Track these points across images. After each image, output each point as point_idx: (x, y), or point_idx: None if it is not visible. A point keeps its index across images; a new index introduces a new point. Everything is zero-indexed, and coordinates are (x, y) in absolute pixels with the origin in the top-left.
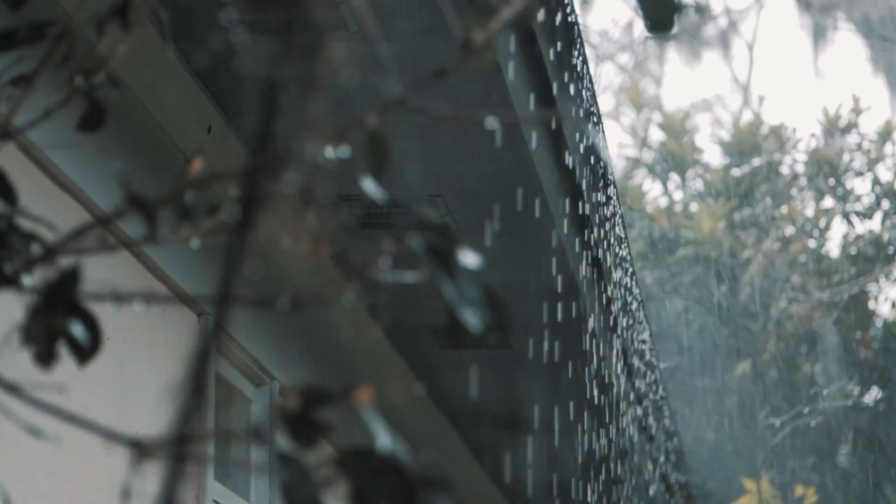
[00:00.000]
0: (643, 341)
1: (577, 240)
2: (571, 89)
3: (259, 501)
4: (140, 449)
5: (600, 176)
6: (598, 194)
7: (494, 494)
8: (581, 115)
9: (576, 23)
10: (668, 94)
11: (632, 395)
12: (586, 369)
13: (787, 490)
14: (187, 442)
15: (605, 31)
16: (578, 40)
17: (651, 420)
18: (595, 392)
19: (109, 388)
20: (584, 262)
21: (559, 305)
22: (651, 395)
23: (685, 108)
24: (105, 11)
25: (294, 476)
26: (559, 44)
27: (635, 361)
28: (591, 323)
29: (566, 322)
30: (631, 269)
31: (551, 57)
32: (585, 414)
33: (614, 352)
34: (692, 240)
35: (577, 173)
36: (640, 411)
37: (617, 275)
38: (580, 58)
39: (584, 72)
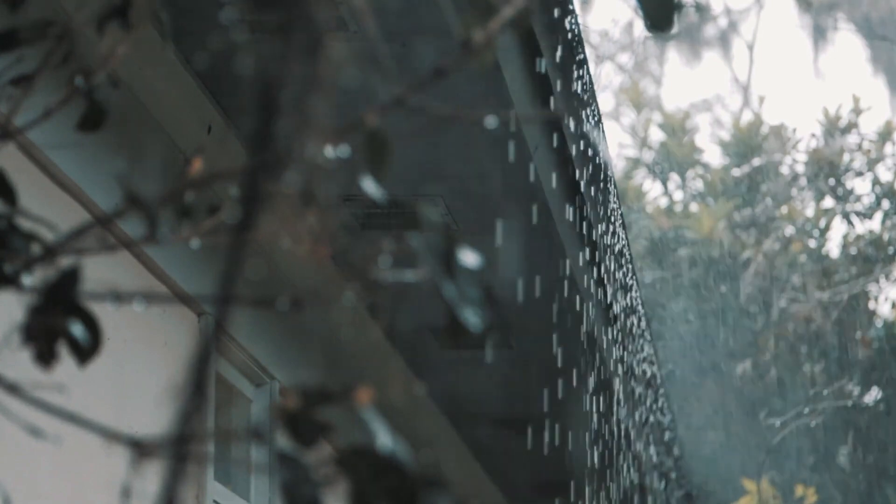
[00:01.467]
0: (644, 359)
1: (579, 300)
2: (573, 88)
3: (259, 501)
4: (140, 449)
5: (601, 194)
6: (602, 223)
7: (494, 494)
8: (580, 114)
9: (576, 22)
10: (668, 94)
11: (632, 434)
12: (587, 434)
13: (787, 490)
14: (187, 442)
15: (605, 31)
16: (578, 40)
17: (652, 448)
18: (595, 459)
19: (109, 388)
20: (584, 325)
21: (559, 376)
22: (652, 417)
23: (685, 108)
24: (105, 11)
25: (294, 476)
26: (559, 44)
27: (636, 387)
28: (591, 383)
29: (565, 398)
30: (633, 282)
31: (552, 56)
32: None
33: (615, 397)
34: (692, 240)
35: (578, 174)
36: (640, 446)
37: (621, 303)
38: (580, 58)
39: (585, 72)
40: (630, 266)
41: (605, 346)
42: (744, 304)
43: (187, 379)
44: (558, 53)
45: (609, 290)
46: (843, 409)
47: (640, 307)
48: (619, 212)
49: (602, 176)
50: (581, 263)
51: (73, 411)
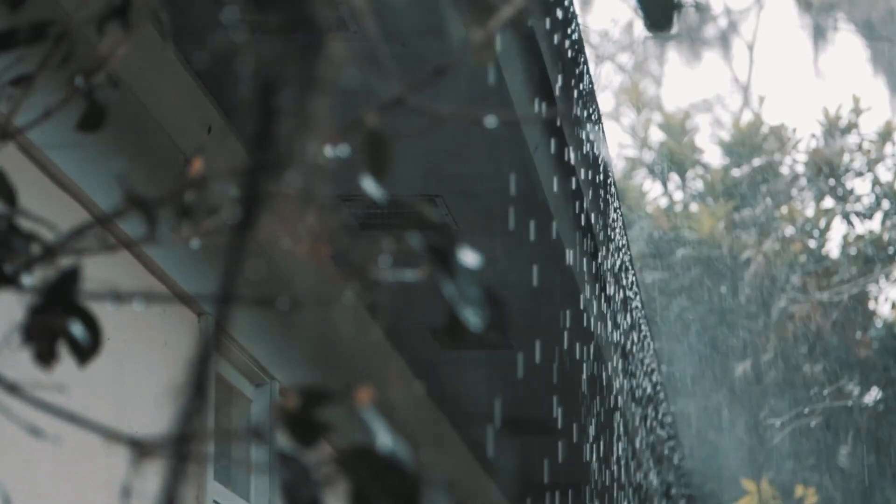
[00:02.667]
0: (645, 372)
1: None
2: (572, 90)
3: (259, 501)
4: (140, 449)
5: (601, 216)
6: (603, 247)
7: (494, 494)
8: (580, 114)
9: (576, 22)
10: (668, 94)
11: (632, 465)
12: (587, 488)
13: (787, 490)
14: (188, 442)
15: (605, 31)
16: (578, 40)
17: (653, 473)
18: None
19: (109, 388)
20: (584, 372)
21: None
22: (652, 436)
23: (685, 108)
24: (105, 11)
25: (294, 475)
26: (559, 44)
27: (636, 412)
28: (591, 432)
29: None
30: (633, 294)
31: (551, 56)
32: None
33: (615, 435)
34: (692, 240)
35: (580, 208)
36: (640, 476)
37: (622, 326)
38: (580, 58)
39: (584, 72)
40: (632, 278)
41: (605, 384)
42: (744, 304)
43: (187, 379)
44: (558, 53)
45: (610, 325)
46: (843, 409)
47: (641, 320)
48: (620, 219)
49: (603, 196)
50: (582, 306)
51: (73, 411)
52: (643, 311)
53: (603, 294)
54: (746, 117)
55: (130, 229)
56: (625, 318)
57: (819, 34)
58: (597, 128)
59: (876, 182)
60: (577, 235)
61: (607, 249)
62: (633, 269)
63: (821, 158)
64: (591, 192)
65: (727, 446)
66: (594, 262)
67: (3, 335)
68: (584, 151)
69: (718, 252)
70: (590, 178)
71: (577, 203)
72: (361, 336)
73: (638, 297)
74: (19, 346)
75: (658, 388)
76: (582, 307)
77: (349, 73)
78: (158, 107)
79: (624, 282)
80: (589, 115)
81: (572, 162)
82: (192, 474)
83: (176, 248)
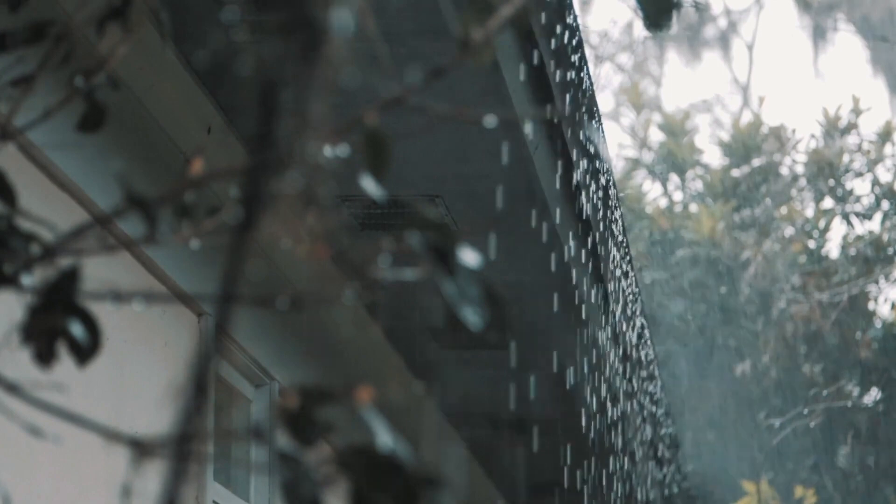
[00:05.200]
0: (648, 414)
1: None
2: (570, 90)
3: (259, 501)
4: (140, 448)
5: (602, 200)
6: (602, 237)
7: (494, 494)
8: (580, 114)
9: (576, 22)
10: (668, 94)
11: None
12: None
13: (786, 491)
14: (188, 442)
15: (605, 31)
16: (578, 40)
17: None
18: None
19: (109, 388)
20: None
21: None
22: (654, 491)
23: (685, 108)
24: (105, 11)
25: (294, 476)
26: (559, 44)
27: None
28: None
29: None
30: (636, 293)
31: (551, 56)
32: None
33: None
34: (692, 240)
35: (579, 184)
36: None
37: (629, 369)
38: (580, 58)
39: (584, 72)
40: (632, 277)
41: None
42: (744, 304)
43: (187, 379)
44: (558, 53)
45: (609, 320)
46: (842, 410)
47: (649, 354)
48: (620, 219)
49: (603, 196)
50: (579, 301)
51: (73, 411)
52: (643, 313)
53: (603, 291)
54: (746, 117)
55: (130, 229)
56: (626, 314)
57: (819, 34)
58: (596, 128)
59: (876, 182)
60: (576, 235)
61: (606, 249)
62: (632, 269)
63: (820, 159)
64: (590, 192)
65: (726, 447)
66: (594, 261)
67: (3, 335)
68: (584, 151)
69: (718, 252)
70: (589, 178)
71: (577, 203)
72: (361, 336)
73: (639, 299)
74: (19, 346)
75: (656, 402)
76: (578, 303)
77: (349, 73)
78: (158, 107)
79: (624, 281)
80: (589, 115)
81: (572, 162)
82: (192, 474)
83: (176, 248)
